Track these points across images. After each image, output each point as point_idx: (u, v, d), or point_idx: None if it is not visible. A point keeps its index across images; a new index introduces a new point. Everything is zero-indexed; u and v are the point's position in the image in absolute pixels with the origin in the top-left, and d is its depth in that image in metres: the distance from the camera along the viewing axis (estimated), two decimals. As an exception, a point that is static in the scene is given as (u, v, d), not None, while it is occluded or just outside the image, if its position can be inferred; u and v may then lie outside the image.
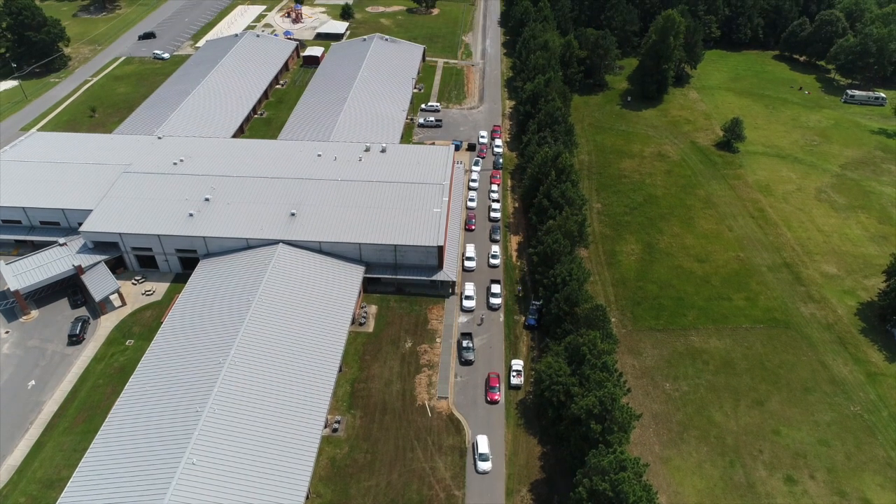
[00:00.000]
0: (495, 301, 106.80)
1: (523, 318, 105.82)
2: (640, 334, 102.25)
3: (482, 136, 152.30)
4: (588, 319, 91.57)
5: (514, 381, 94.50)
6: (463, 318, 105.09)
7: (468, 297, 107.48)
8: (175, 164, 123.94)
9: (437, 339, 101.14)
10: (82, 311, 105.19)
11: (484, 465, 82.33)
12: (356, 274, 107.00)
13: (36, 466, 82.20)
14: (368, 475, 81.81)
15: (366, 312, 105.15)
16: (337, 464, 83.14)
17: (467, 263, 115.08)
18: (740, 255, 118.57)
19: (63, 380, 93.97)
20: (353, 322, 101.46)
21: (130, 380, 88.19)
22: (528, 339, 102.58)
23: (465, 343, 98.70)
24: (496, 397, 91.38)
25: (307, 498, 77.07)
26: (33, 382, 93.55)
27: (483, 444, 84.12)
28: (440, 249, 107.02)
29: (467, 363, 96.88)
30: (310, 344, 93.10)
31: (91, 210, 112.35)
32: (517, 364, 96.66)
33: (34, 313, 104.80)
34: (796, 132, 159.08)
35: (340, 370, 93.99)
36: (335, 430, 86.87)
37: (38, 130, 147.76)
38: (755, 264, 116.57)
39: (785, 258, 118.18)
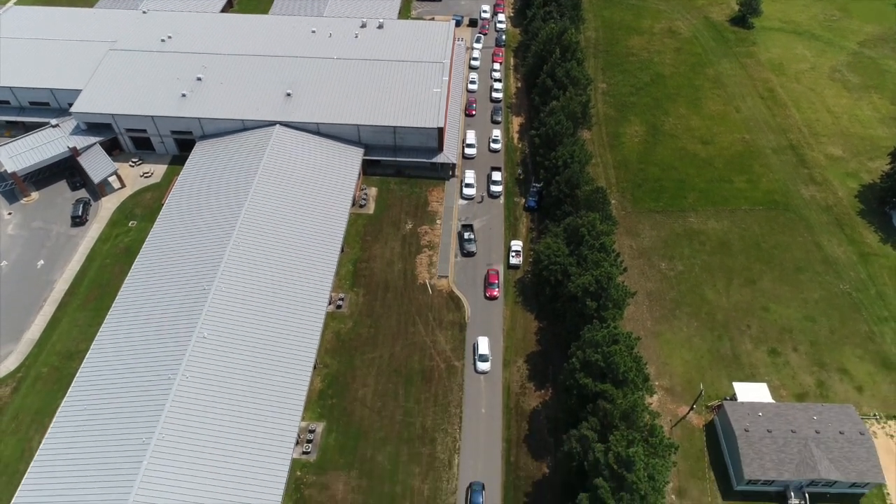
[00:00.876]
0: (496, 189, 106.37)
1: (523, 201, 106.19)
2: (640, 216, 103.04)
3: (484, 11, 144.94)
4: (588, 201, 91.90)
5: (513, 260, 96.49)
6: (462, 202, 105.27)
7: (468, 185, 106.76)
8: (163, 40, 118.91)
9: (438, 221, 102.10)
10: (82, 194, 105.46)
11: (483, 366, 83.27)
12: (355, 156, 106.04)
13: (55, 340, 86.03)
14: (372, 348, 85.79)
15: (366, 194, 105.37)
16: (342, 337, 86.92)
17: (468, 150, 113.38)
18: (746, 137, 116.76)
19: (71, 260, 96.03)
20: (353, 204, 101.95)
21: (137, 259, 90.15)
22: (528, 221, 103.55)
23: (466, 234, 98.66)
24: (495, 293, 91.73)
25: (315, 367, 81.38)
26: (42, 262, 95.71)
27: (483, 345, 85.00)
28: (440, 131, 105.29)
29: (469, 255, 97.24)
30: (312, 225, 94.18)
31: (80, 90, 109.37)
32: (516, 244, 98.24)
33: (34, 195, 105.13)
34: (816, 6, 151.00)
35: (342, 251, 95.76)
36: (339, 307, 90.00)
37: (16, 5, 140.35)
38: (760, 146, 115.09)
39: (791, 140, 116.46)
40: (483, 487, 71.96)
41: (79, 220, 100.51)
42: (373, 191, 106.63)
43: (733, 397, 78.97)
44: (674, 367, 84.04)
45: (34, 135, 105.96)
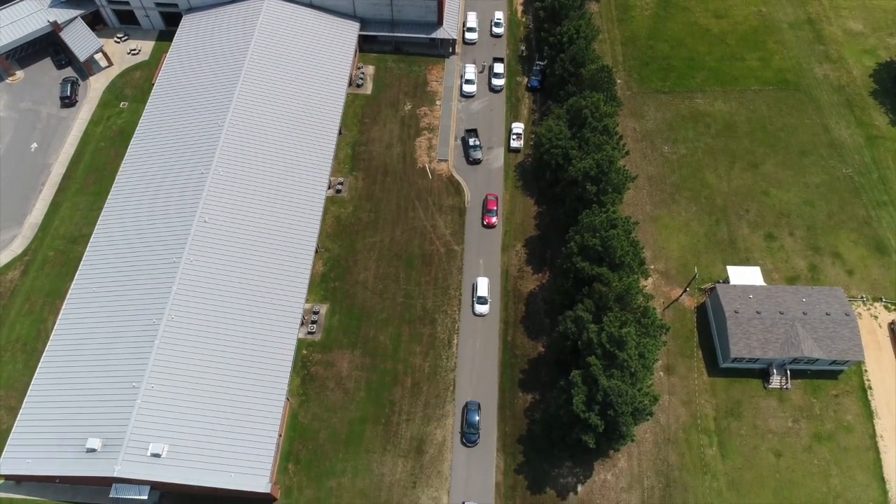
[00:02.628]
0: (498, 82, 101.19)
1: (526, 80, 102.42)
2: (645, 97, 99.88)
3: None
4: (593, 81, 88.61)
5: (514, 143, 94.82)
6: (462, 102, 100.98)
7: (469, 82, 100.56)
8: None
9: (437, 102, 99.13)
10: (69, 72, 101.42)
11: (481, 308, 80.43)
12: (351, 31, 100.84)
13: (57, 224, 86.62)
14: (372, 232, 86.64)
15: (363, 73, 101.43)
16: (342, 222, 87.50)
17: (468, 35, 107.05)
18: (762, 11, 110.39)
19: (64, 143, 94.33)
20: (350, 84, 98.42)
21: (131, 143, 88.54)
22: (530, 102, 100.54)
23: (471, 141, 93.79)
24: (493, 221, 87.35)
25: (317, 251, 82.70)
26: (36, 145, 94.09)
27: (482, 287, 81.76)
28: (439, 3, 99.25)
29: (475, 162, 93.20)
30: (308, 105, 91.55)
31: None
32: (517, 127, 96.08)
33: (19, 74, 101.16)
34: None
35: (340, 133, 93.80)
36: (338, 191, 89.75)
37: None
38: (776, 21, 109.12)
39: (809, 13, 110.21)
40: (479, 407, 73.82)
41: (68, 101, 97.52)
42: (370, 69, 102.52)
43: (726, 280, 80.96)
44: (670, 251, 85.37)
45: (10, 8, 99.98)
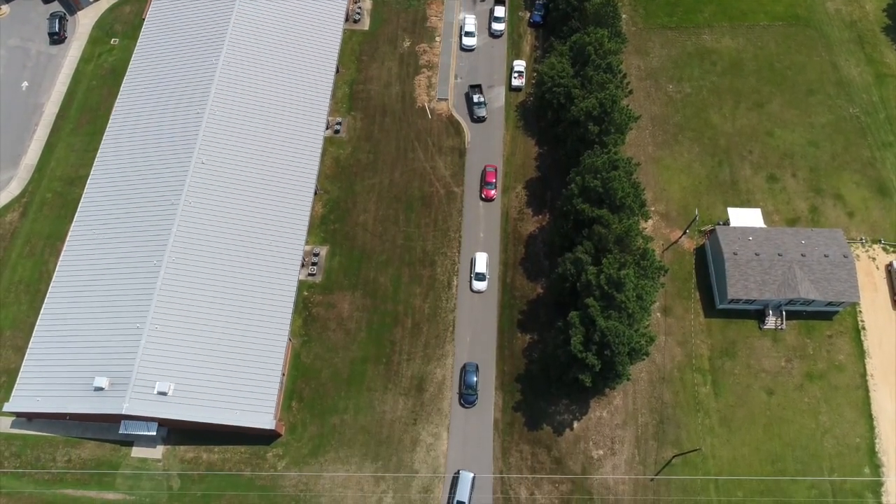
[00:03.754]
0: (498, 27, 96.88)
1: (528, 14, 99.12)
2: (650, 33, 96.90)
3: None
4: (597, 16, 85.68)
5: (515, 82, 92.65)
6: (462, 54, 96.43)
7: (469, 35, 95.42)
8: None
9: (437, 38, 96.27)
10: (56, 7, 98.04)
11: (479, 285, 78.67)
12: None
13: (53, 165, 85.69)
14: (372, 174, 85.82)
15: (360, 8, 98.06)
16: (341, 163, 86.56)
17: None
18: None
19: (56, 81, 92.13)
20: (346, 19, 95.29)
21: (124, 82, 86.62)
22: (532, 39, 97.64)
23: (475, 97, 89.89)
24: (492, 195, 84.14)
25: (316, 193, 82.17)
26: (26, 84, 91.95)
27: (481, 263, 79.48)
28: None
29: (479, 120, 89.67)
30: (304, 42, 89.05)
31: None
32: (519, 65, 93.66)
33: (5, 9, 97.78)
34: None
35: (338, 71, 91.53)
36: (337, 132, 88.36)
37: None
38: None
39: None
40: (477, 368, 74.05)
41: (57, 38, 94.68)
42: (367, 4, 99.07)
43: (726, 222, 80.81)
44: (671, 193, 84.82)
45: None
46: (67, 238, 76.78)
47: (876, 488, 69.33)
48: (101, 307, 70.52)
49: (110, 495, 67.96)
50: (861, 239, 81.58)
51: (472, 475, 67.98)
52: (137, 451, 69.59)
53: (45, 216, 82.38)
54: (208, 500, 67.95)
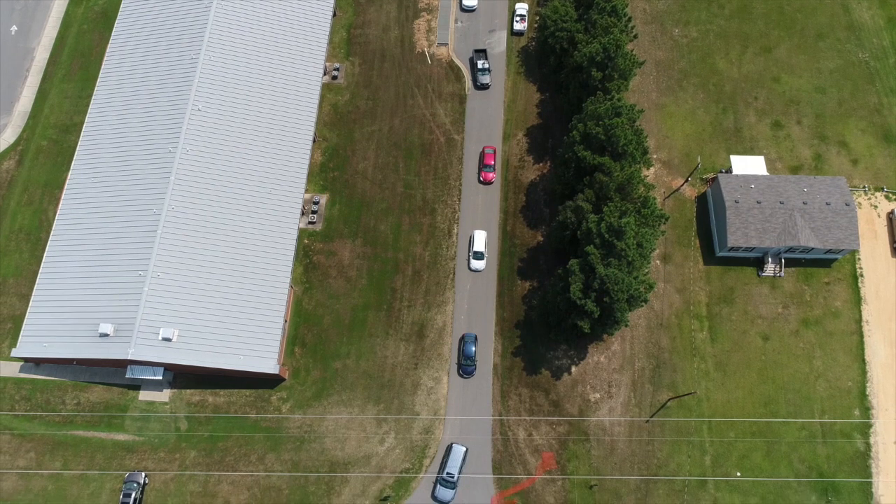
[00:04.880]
0: None
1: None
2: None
3: None
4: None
5: (517, 26, 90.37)
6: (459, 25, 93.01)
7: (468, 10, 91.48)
8: None
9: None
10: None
11: (477, 264, 77.13)
12: None
13: (47, 112, 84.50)
14: (371, 121, 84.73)
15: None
16: (339, 110, 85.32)
17: None
18: None
19: (45, 25, 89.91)
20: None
21: (116, 25, 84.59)
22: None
23: (479, 63, 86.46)
24: (491, 178, 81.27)
25: (314, 141, 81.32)
26: (15, 28, 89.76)
27: (479, 242, 77.83)
28: None
29: (483, 87, 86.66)
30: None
31: None
32: (521, 8, 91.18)
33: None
34: None
35: (335, 15, 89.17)
36: (335, 78, 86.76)
37: None
38: None
39: None
40: (476, 339, 74.02)
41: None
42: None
43: (729, 170, 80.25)
44: (674, 140, 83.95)
45: None
46: (65, 187, 76.45)
47: (864, 429, 71.16)
48: (103, 255, 70.83)
49: (120, 436, 69.86)
50: (864, 186, 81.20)
51: (464, 449, 69.12)
52: (145, 395, 71.13)
53: (41, 164, 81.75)
54: (215, 440, 69.87)
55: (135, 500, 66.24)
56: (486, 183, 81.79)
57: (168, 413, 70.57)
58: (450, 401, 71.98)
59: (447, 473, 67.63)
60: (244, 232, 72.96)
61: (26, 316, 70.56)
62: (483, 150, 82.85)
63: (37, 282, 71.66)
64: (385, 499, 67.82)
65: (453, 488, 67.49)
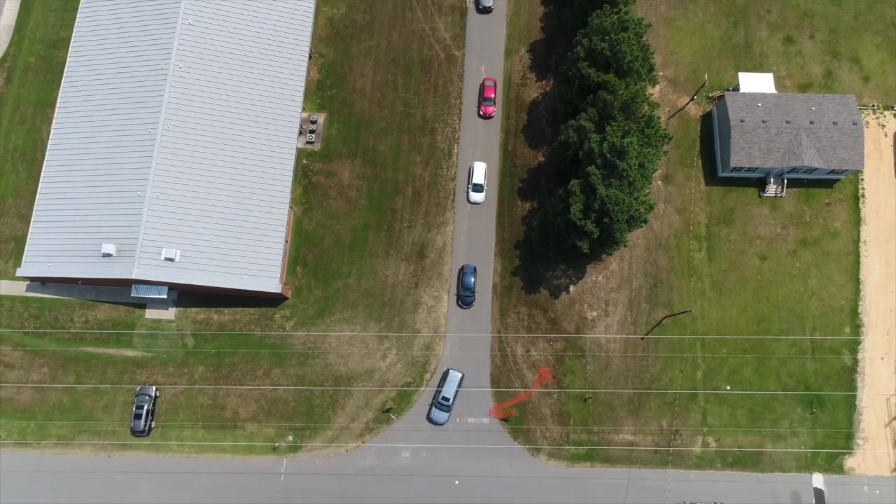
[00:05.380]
0: None
1: None
2: None
3: None
4: None
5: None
6: None
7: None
8: None
9: None
10: None
11: (476, 196, 76.11)
12: None
13: (32, 27, 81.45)
14: (368, 36, 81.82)
15: None
16: (336, 24, 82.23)
17: None
18: None
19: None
20: None
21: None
22: None
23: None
24: (491, 112, 78.86)
25: (310, 57, 78.90)
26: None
27: (479, 174, 76.44)
28: None
29: (485, 11, 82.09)
30: None
31: None
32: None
33: None
34: None
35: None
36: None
37: None
38: None
39: None
40: (475, 270, 74.03)
41: None
42: None
43: (736, 88, 78.27)
44: (681, 57, 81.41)
45: None
46: (57, 105, 74.91)
47: (853, 346, 73.15)
48: (100, 174, 70.39)
49: (129, 352, 71.96)
50: (873, 105, 79.51)
51: (460, 375, 70.87)
52: (151, 313, 72.65)
53: (31, 81, 79.66)
54: (222, 356, 72.02)
55: (147, 411, 69.02)
56: (486, 117, 79.52)
57: (174, 331, 72.34)
58: (450, 319, 73.58)
59: (443, 398, 69.90)
60: (242, 152, 72.14)
61: (28, 236, 70.98)
62: (483, 83, 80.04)
63: (36, 202, 71.59)
64: (387, 410, 70.62)
65: (448, 412, 69.97)
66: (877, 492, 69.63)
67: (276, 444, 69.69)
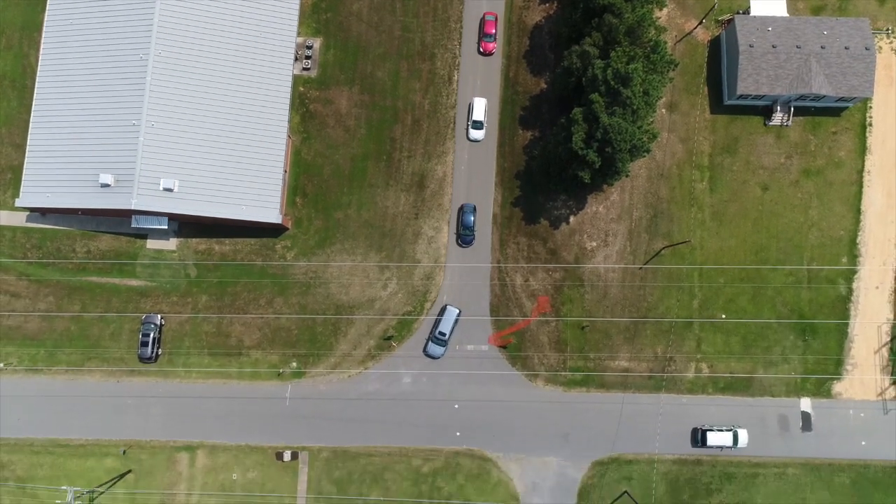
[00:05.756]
0: None
1: None
2: None
3: None
4: None
5: None
6: None
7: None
8: None
9: None
10: None
11: (476, 134, 74.70)
12: None
13: (12, -56, 77.69)
14: (365, -47, 78.17)
15: None
16: (330, -59, 78.33)
17: None
18: None
19: None
20: None
21: None
22: None
23: None
24: (491, 48, 75.83)
25: (304, -23, 75.69)
26: None
27: (479, 110, 74.43)
28: None
29: None
30: None
31: None
32: None
33: None
34: None
35: None
36: None
37: None
38: None
39: None
40: (474, 209, 73.25)
41: None
42: None
43: (747, 11, 75.39)
44: (691, -24, 78.01)
45: None
46: (44, 30, 72.41)
47: (849, 276, 73.89)
48: (94, 102, 69.03)
49: (133, 282, 72.82)
50: (887, 29, 76.82)
51: (457, 311, 71.63)
52: (152, 244, 73.04)
53: (13, 4, 76.46)
54: (224, 286, 72.93)
55: (153, 339, 70.59)
56: (487, 54, 76.67)
57: (176, 261, 72.94)
58: (450, 249, 73.98)
59: (439, 332, 71.09)
60: (237, 78, 70.39)
61: (25, 166, 70.33)
62: (483, 17, 76.74)
63: (29, 131, 70.52)
64: (389, 338, 72.19)
65: (444, 346, 71.37)
66: (862, 415, 72.12)
67: (281, 371, 71.66)
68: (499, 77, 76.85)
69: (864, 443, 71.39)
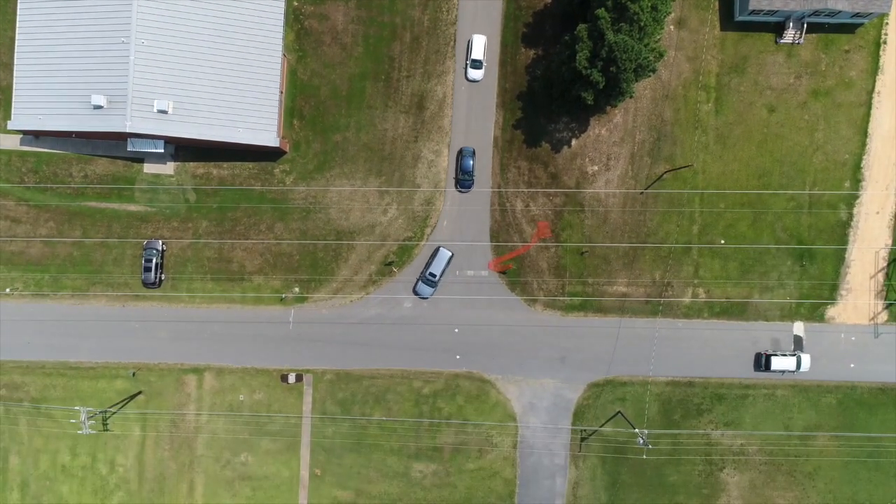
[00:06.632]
0: None
1: None
2: None
3: None
4: None
5: None
6: None
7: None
8: None
9: None
10: None
11: (475, 74, 72.12)
12: None
13: None
14: None
15: None
16: None
17: None
18: None
19: None
20: None
21: None
22: None
23: None
24: None
25: None
26: None
27: (478, 48, 71.57)
28: None
29: None
30: None
31: None
32: None
33: None
34: None
35: None
36: None
37: None
38: None
39: None
40: (473, 153, 71.52)
41: None
42: None
43: (764, -82, 71.09)
44: None
45: None
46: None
47: (851, 200, 73.46)
48: (80, 19, 66.17)
49: (132, 207, 72.57)
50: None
51: (450, 254, 71.24)
52: (149, 168, 72.22)
53: (-11, -89, 72.31)
54: (224, 211, 72.71)
55: (156, 264, 71.10)
56: None
57: (175, 185, 72.34)
58: (450, 173, 73.22)
59: (430, 273, 71.21)
60: (227, -5, 67.35)
61: (14, 88, 68.42)
62: None
63: (15, 50, 68.05)
64: (389, 263, 72.70)
65: (434, 287, 71.66)
66: (853, 339, 73.65)
67: (284, 296, 72.60)
68: (501, -6, 73.58)
69: (853, 365, 73.29)
